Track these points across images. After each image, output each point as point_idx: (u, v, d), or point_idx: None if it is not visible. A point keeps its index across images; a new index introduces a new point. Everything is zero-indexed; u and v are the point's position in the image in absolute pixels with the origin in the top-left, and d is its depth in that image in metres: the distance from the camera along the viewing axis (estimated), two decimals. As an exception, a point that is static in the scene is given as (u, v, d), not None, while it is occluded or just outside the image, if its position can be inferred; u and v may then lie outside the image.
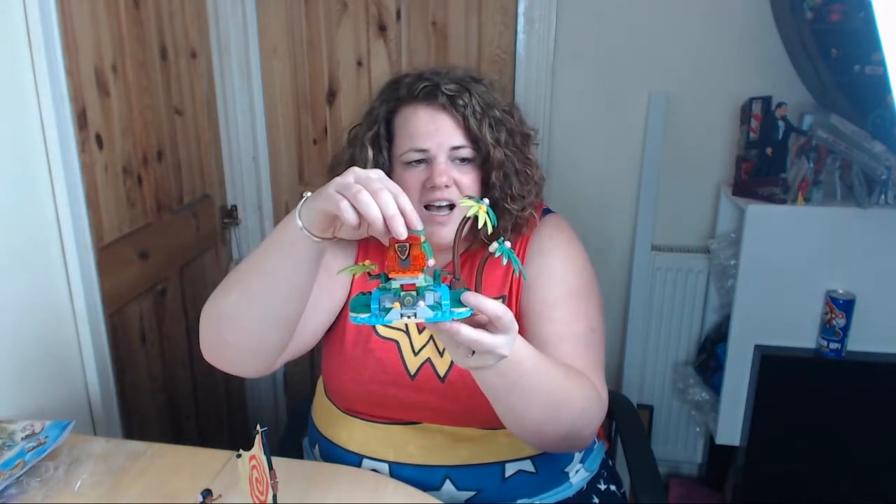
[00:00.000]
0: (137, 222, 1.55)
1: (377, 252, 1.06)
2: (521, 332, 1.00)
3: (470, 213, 0.69)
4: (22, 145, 1.18)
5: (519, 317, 1.01)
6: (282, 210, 2.08)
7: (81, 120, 1.32)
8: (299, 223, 0.75)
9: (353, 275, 0.73)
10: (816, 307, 1.63)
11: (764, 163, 1.64)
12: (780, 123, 1.61)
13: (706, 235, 1.88)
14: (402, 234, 0.67)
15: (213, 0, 1.84)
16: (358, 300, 0.71)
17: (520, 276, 0.76)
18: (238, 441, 1.98)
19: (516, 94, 1.85)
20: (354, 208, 0.68)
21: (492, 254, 0.71)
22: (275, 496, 0.77)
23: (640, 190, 1.86)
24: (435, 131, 0.97)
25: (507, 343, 0.72)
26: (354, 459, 1.04)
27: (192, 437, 1.82)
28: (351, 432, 1.06)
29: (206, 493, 0.90)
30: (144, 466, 0.99)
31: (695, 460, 2.05)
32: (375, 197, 0.68)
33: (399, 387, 1.01)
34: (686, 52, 1.77)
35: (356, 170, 0.72)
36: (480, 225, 0.69)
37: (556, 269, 1.02)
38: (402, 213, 0.68)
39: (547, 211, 1.12)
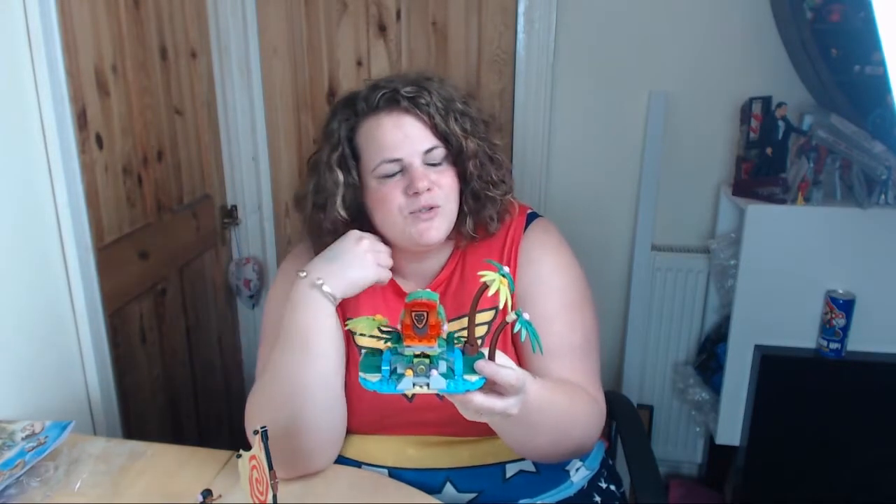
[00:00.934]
0: (137, 222, 1.55)
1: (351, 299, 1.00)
2: (520, 344, 0.99)
3: (491, 291, 0.66)
4: (22, 145, 1.18)
5: (515, 329, 1.01)
6: (282, 210, 2.08)
7: (81, 120, 1.32)
8: (331, 295, 0.90)
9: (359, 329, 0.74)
10: (816, 307, 1.63)
11: (764, 163, 1.64)
12: (780, 123, 1.61)
13: (706, 235, 1.88)
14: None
15: (213, 0, 1.84)
16: (368, 361, 0.70)
17: (537, 349, 0.75)
18: (238, 441, 1.98)
19: (516, 93, 1.86)
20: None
21: (510, 324, 0.69)
22: (275, 496, 0.77)
23: (640, 190, 1.86)
24: (404, 138, 0.95)
25: (517, 403, 0.72)
26: (352, 465, 1.04)
27: (192, 437, 1.82)
28: (349, 441, 1.06)
29: (206, 493, 0.89)
30: (144, 466, 0.99)
31: (695, 460, 2.05)
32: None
33: (398, 411, 1.01)
34: (686, 52, 1.77)
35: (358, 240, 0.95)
36: (502, 304, 0.66)
37: (550, 279, 1.01)
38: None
39: (534, 215, 1.09)
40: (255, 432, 0.78)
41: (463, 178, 0.99)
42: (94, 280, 1.33)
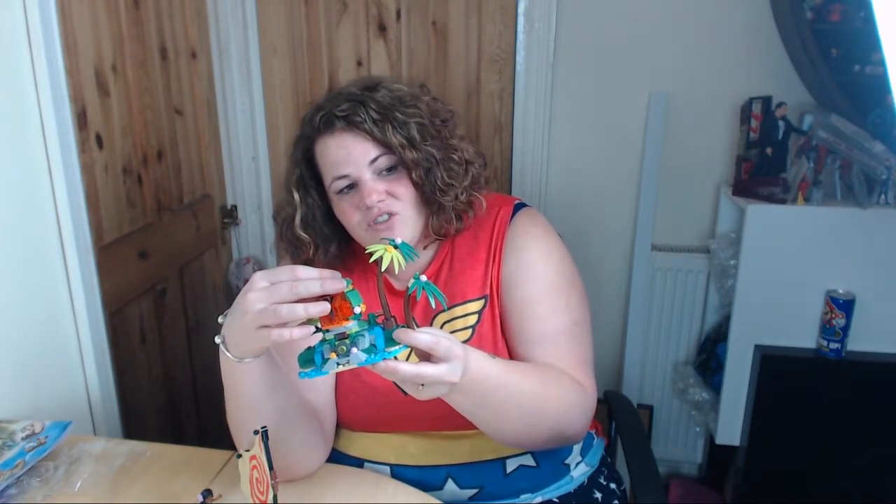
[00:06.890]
0: (137, 222, 1.55)
1: None
2: (506, 331, 1.00)
3: (374, 259, 0.70)
4: (22, 145, 1.18)
5: (503, 317, 1.01)
6: (282, 210, 2.08)
7: (81, 120, 1.32)
8: (234, 359, 0.80)
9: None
10: (816, 307, 1.63)
11: (764, 163, 1.64)
12: (780, 123, 1.61)
13: (706, 235, 1.88)
14: (321, 289, 0.70)
15: (212, 0, 1.84)
16: (304, 356, 0.74)
17: (438, 305, 0.78)
18: (238, 441, 1.97)
19: (516, 93, 1.86)
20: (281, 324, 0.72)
21: (412, 294, 0.72)
22: (275, 496, 0.77)
23: (640, 190, 1.86)
24: (347, 156, 0.95)
25: (452, 370, 0.73)
26: (355, 463, 1.04)
27: (192, 437, 1.82)
28: (351, 439, 1.06)
29: (207, 493, 0.89)
30: (144, 466, 0.99)
31: (695, 460, 2.05)
32: (272, 298, 0.71)
33: (394, 405, 1.01)
34: (686, 52, 1.77)
35: (246, 297, 0.74)
36: (384, 266, 0.70)
37: (534, 265, 1.01)
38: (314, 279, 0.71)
39: (521, 205, 1.09)
40: (256, 432, 0.78)
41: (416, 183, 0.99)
42: (93, 280, 1.32)
